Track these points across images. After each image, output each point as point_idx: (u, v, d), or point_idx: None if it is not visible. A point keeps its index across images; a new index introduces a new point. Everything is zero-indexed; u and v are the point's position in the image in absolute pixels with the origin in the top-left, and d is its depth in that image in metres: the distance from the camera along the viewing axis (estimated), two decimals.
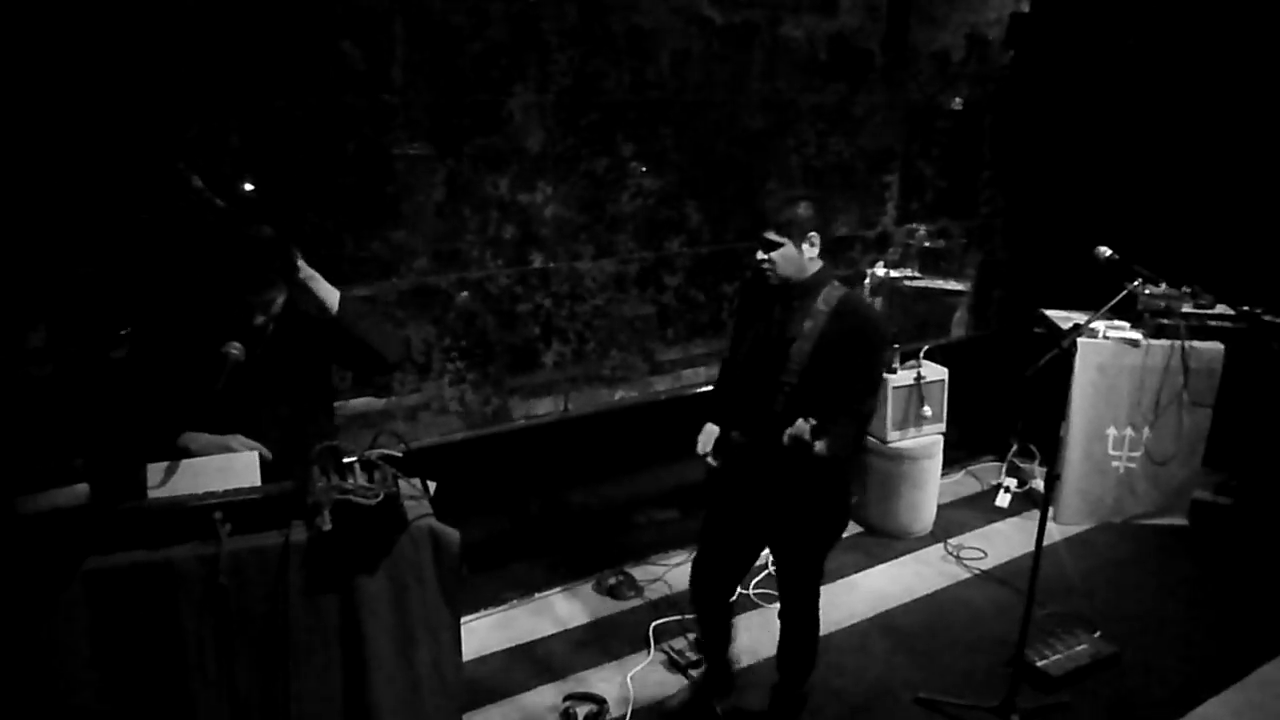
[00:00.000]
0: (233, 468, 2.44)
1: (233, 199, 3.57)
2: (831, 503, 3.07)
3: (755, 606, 4.13)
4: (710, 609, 3.35)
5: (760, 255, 2.87)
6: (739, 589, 3.84)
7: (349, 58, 3.83)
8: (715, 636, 3.41)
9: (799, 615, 3.24)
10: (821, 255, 2.91)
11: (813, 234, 2.86)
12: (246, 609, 2.30)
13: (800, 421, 2.76)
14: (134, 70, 3.23)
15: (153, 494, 2.37)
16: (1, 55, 3.00)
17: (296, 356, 2.75)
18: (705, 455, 3.09)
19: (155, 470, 2.38)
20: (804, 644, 3.28)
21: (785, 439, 2.77)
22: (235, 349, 2.55)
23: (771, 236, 2.85)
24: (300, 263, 2.66)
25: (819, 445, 2.74)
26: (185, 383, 2.59)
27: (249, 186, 3.67)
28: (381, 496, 2.33)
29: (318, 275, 2.70)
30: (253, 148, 3.60)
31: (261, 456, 2.50)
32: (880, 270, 5.75)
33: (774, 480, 2.93)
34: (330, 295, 2.69)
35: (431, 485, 2.59)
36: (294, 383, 2.76)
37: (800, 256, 2.87)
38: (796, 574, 3.19)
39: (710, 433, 3.12)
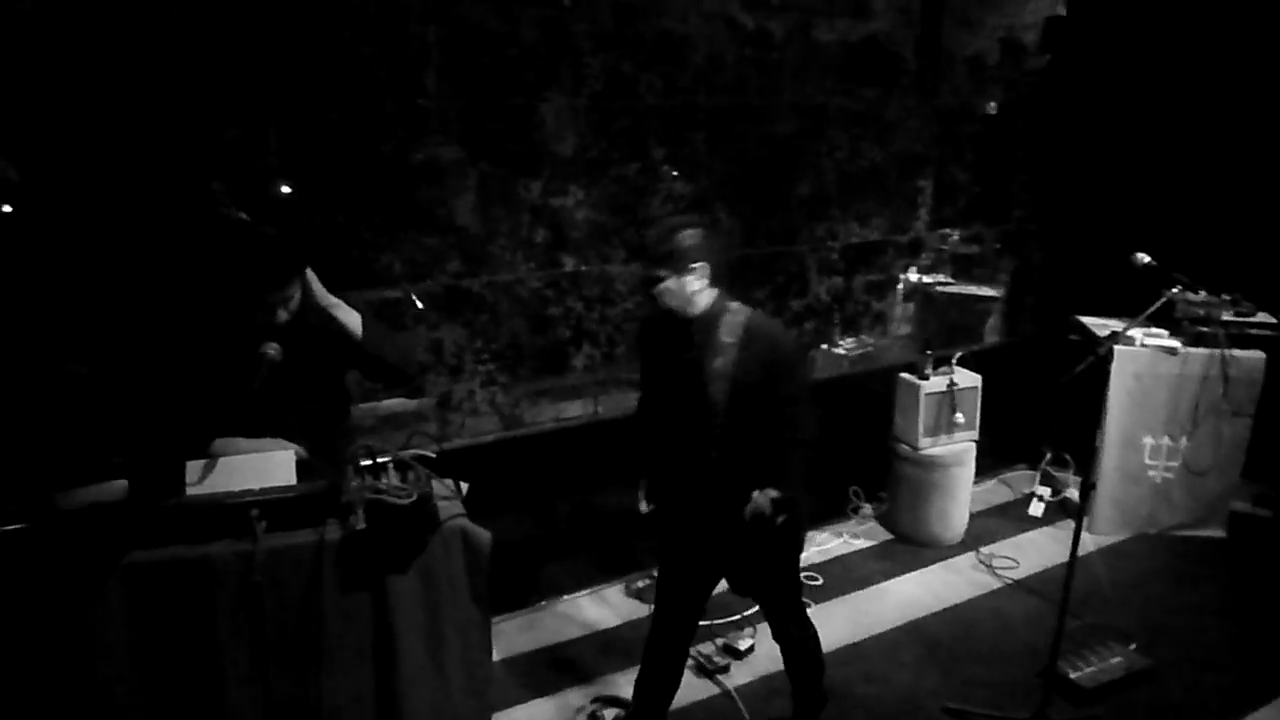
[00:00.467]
0: (269, 466, 2.46)
1: (267, 202, 3.61)
2: (787, 534, 2.91)
3: None
4: (666, 659, 3.15)
5: (654, 289, 2.73)
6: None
7: (383, 63, 3.87)
8: (662, 687, 3.18)
9: (791, 629, 3.13)
10: (714, 283, 2.77)
11: (698, 264, 2.70)
12: (280, 605, 2.32)
13: (757, 496, 2.65)
14: (176, 75, 3.29)
15: (191, 491, 2.40)
16: (50, 62, 3.07)
17: (323, 355, 2.78)
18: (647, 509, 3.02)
19: (193, 468, 2.42)
20: (806, 651, 3.18)
21: (746, 516, 2.67)
22: (272, 349, 2.58)
23: (655, 272, 2.71)
24: (320, 289, 2.68)
25: (781, 516, 2.64)
26: (222, 382, 2.63)
27: (286, 189, 3.71)
28: (414, 496, 2.35)
29: (340, 303, 2.71)
30: (289, 151, 3.64)
31: (298, 455, 2.53)
32: (913, 276, 5.72)
33: (723, 525, 2.80)
34: (353, 320, 2.70)
35: (464, 486, 2.60)
36: (321, 381, 2.79)
37: (684, 289, 2.71)
38: (774, 597, 3.09)
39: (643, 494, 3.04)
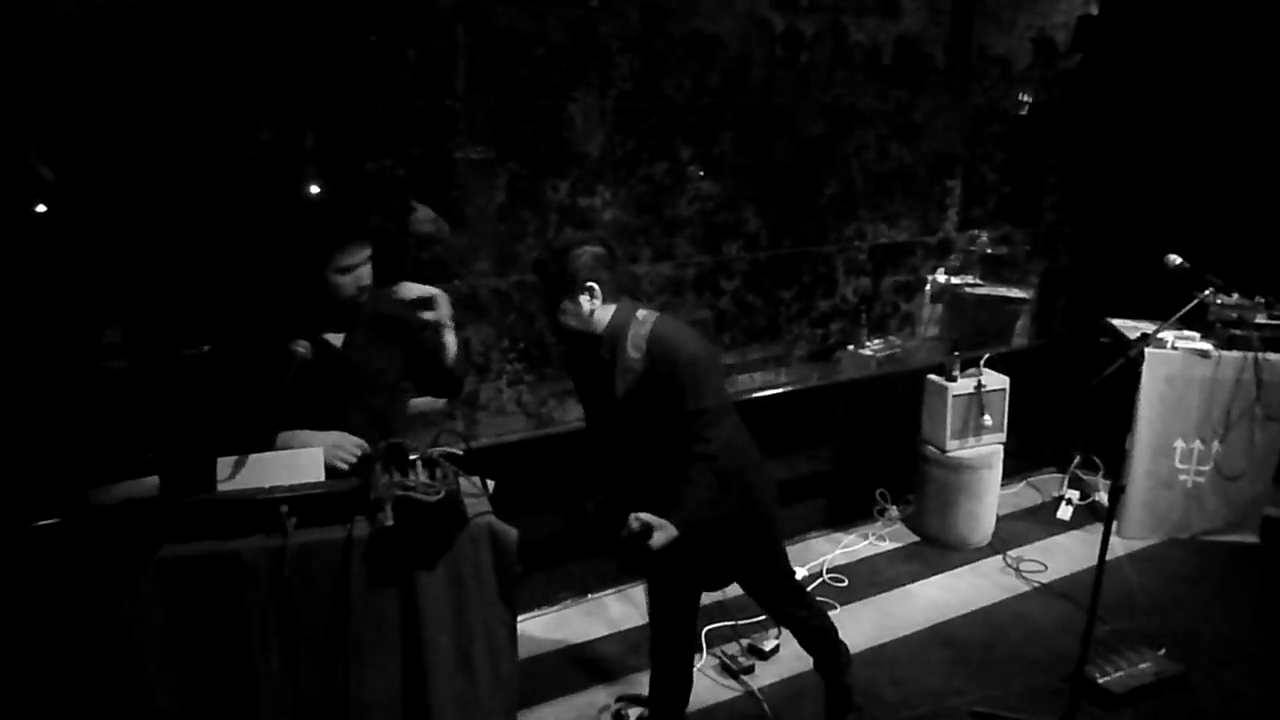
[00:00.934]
0: (299, 463, 2.49)
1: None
2: (744, 532, 2.89)
3: None
4: (671, 664, 3.18)
5: (556, 315, 2.71)
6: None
7: (414, 64, 3.90)
8: (674, 691, 3.21)
9: (789, 609, 3.12)
10: (614, 299, 2.72)
11: (590, 284, 2.65)
12: (310, 601, 2.35)
13: (631, 520, 2.54)
14: (213, 74, 3.34)
15: (221, 487, 2.44)
16: (90, 56, 3.13)
17: (390, 348, 2.80)
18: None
19: (224, 464, 2.45)
20: (821, 638, 3.17)
21: (622, 536, 2.57)
22: (303, 347, 2.61)
23: (550, 297, 2.69)
24: (444, 314, 2.65)
25: (657, 538, 2.52)
26: (254, 379, 2.66)
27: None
28: (442, 494, 2.36)
29: (452, 326, 2.71)
30: (323, 151, 3.68)
31: (362, 451, 2.57)
32: (941, 277, 5.68)
33: (686, 539, 2.67)
34: (452, 347, 2.72)
35: (490, 484, 2.62)
36: (386, 374, 2.81)
37: (580, 310, 2.68)
38: (756, 581, 3.07)
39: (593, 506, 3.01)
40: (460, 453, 2.49)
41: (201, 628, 2.32)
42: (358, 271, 2.65)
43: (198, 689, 2.34)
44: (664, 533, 2.53)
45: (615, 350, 2.71)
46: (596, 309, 2.70)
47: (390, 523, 2.32)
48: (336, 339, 2.74)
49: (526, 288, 4.27)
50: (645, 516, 2.54)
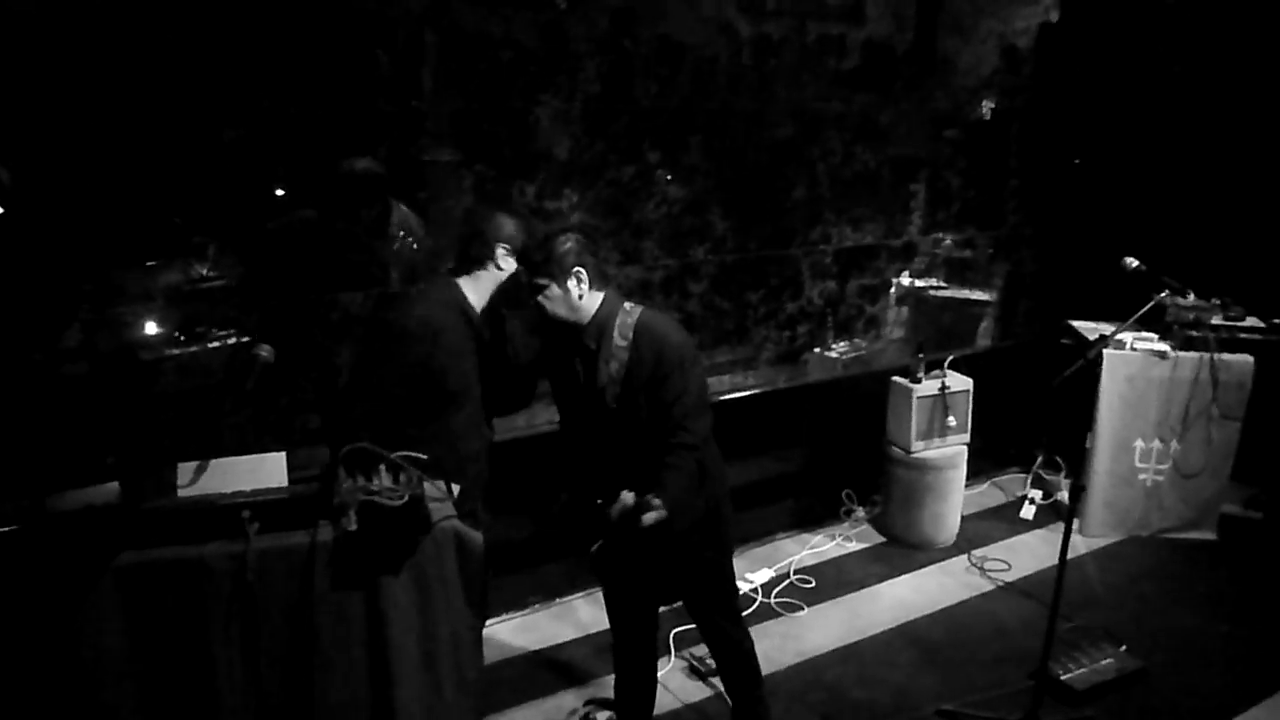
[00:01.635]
0: (261, 467, 2.47)
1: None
2: (704, 532, 2.87)
3: (776, 615, 4.13)
4: (633, 668, 3.16)
5: (537, 298, 2.71)
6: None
7: (380, 65, 3.88)
8: (638, 695, 3.19)
9: (723, 624, 3.05)
10: (600, 288, 2.73)
11: (577, 269, 2.66)
12: (273, 607, 2.33)
13: (624, 495, 2.57)
14: (177, 75, 3.30)
15: (182, 493, 2.41)
16: (47, 59, 3.08)
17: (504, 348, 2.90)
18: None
19: (185, 469, 2.42)
20: (740, 652, 3.09)
21: (613, 515, 2.58)
22: (265, 350, 2.59)
23: (536, 280, 2.68)
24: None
25: (649, 516, 2.52)
26: (219, 384, 2.64)
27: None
28: (406, 498, 2.35)
29: None
30: (284, 152, 3.65)
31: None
32: (906, 280, 5.74)
33: (629, 538, 2.67)
34: None
35: (455, 488, 2.61)
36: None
37: (568, 296, 2.68)
38: (700, 591, 3.02)
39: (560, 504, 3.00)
40: (424, 457, 2.47)
41: (162, 635, 2.29)
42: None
43: (158, 697, 2.31)
44: (655, 512, 2.53)
45: (601, 338, 2.71)
46: (585, 294, 2.70)
47: (354, 527, 2.31)
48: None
49: None
50: (637, 500, 2.54)
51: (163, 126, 3.33)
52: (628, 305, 2.76)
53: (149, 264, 3.55)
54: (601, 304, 2.73)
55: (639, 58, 4.54)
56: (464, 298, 2.80)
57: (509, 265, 2.78)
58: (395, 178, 3.95)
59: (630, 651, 3.15)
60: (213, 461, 2.46)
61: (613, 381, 2.68)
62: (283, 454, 2.51)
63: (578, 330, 2.74)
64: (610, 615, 3.14)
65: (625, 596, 3.07)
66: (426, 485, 2.47)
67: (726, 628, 3.05)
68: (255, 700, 2.35)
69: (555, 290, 2.68)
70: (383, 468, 2.45)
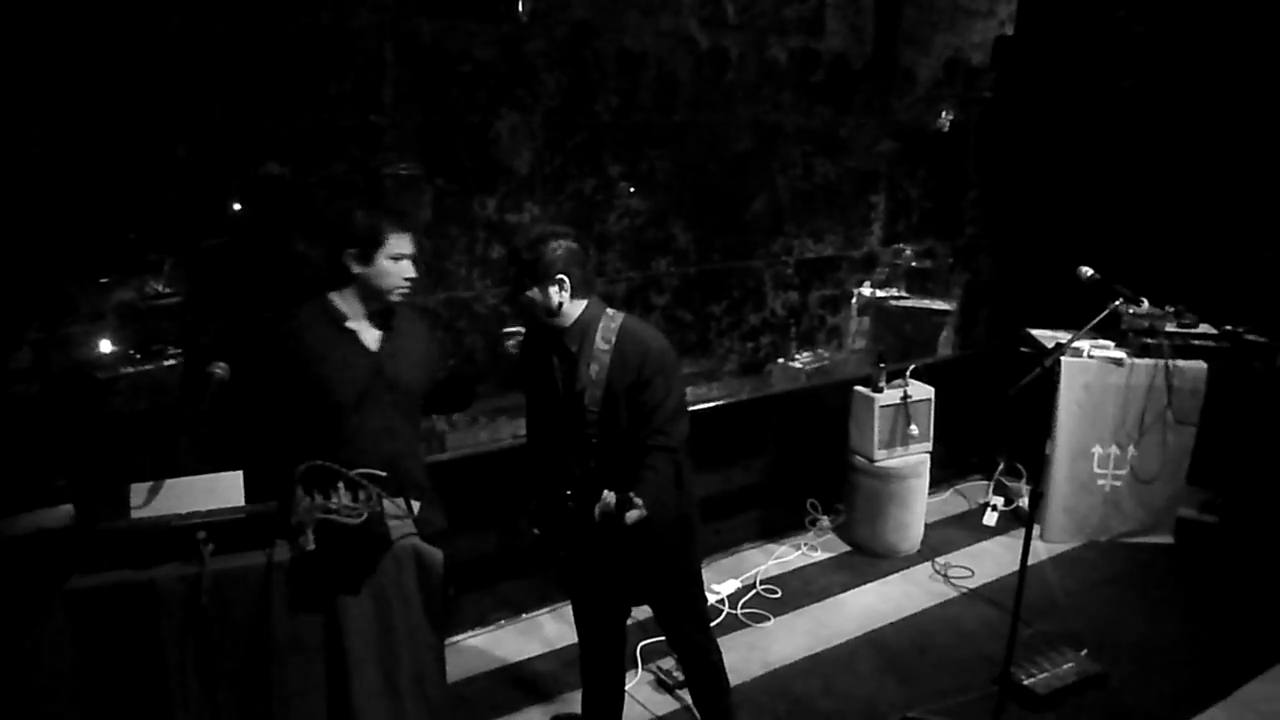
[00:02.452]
0: (217, 487, 2.44)
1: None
2: (674, 539, 2.87)
3: (742, 626, 4.13)
4: (601, 682, 3.15)
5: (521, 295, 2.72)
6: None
7: (338, 79, 3.85)
8: (605, 709, 3.18)
9: (693, 634, 3.04)
10: (584, 296, 2.74)
11: (561, 276, 2.66)
12: (229, 629, 2.29)
13: (606, 495, 2.57)
14: (128, 90, 3.25)
15: (136, 514, 2.37)
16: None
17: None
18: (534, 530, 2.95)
19: (138, 490, 2.38)
20: (709, 664, 3.07)
21: (596, 514, 2.58)
22: (220, 368, 2.55)
23: (521, 279, 2.69)
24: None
25: (631, 514, 2.52)
26: (173, 403, 2.60)
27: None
28: (365, 516, 2.33)
29: None
30: (240, 168, 3.61)
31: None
32: (867, 290, 5.79)
33: (610, 539, 2.69)
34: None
35: (416, 505, 2.58)
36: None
37: (548, 301, 2.68)
38: (668, 599, 3.01)
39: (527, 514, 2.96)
40: (384, 474, 2.45)
41: (114, 661, 2.25)
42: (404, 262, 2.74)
43: None
44: (637, 510, 2.53)
45: (583, 341, 2.72)
46: (565, 302, 2.70)
47: (312, 547, 2.28)
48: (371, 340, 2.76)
49: (455, 304, 4.23)
50: (619, 498, 2.54)
51: (115, 140, 3.28)
52: (610, 311, 2.78)
53: (102, 281, 3.49)
54: (585, 309, 2.74)
55: (599, 71, 4.55)
56: (335, 309, 2.78)
57: (363, 266, 2.74)
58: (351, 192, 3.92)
59: (598, 664, 3.13)
60: (167, 481, 2.42)
61: (593, 384, 2.68)
62: (239, 473, 2.48)
63: (559, 333, 2.74)
64: (579, 627, 3.13)
65: (593, 606, 3.05)
66: (385, 503, 2.45)
67: (695, 638, 3.04)
68: None
69: (535, 294, 2.69)
70: (341, 485, 2.42)
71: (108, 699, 2.26)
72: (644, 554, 2.82)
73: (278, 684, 2.35)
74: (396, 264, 2.73)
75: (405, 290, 2.77)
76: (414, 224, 2.81)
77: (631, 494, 2.54)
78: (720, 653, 3.10)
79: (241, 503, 2.43)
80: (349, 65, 3.86)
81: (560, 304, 2.70)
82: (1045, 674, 3.69)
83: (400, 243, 2.72)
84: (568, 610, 4.20)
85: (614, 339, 2.70)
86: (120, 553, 2.28)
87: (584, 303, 2.75)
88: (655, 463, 2.65)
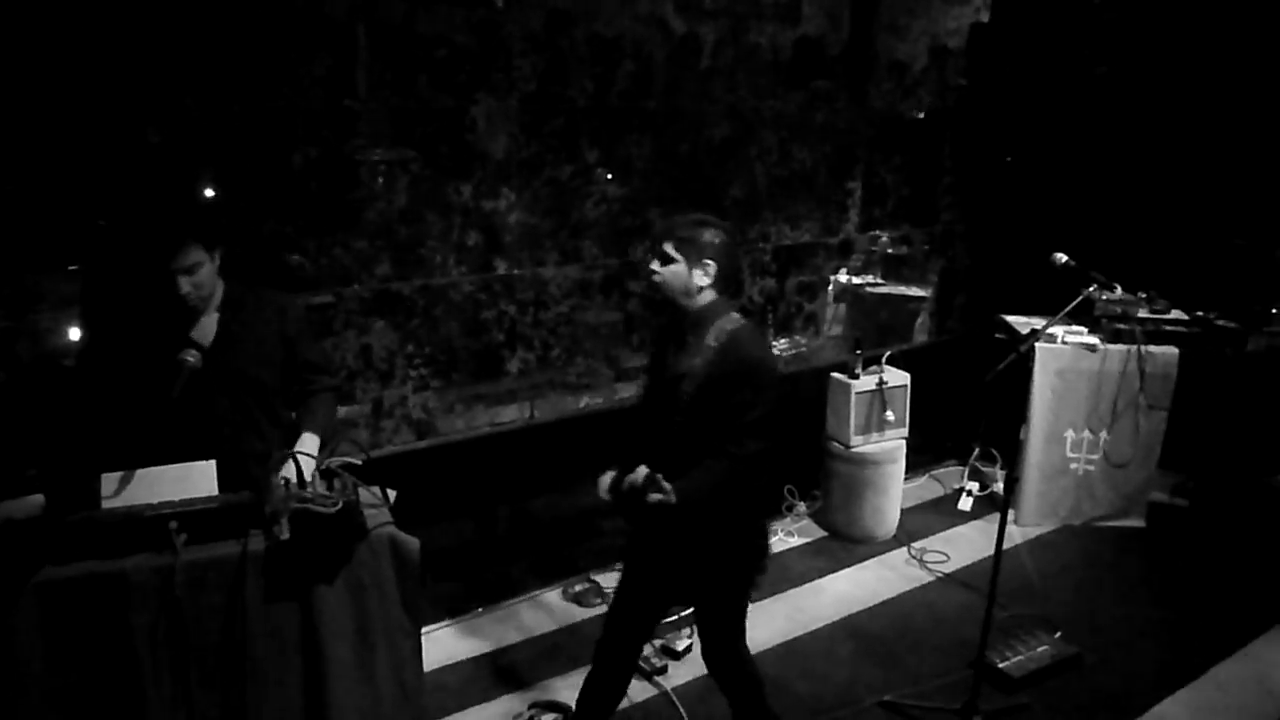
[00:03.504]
0: (189, 477, 2.41)
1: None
2: (720, 548, 2.83)
3: None
4: (615, 665, 3.07)
5: (652, 266, 2.73)
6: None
7: (311, 63, 3.80)
8: (608, 695, 3.09)
9: (730, 672, 3.00)
10: (719, 291, 2.75)
11: (709, 262, 2.69)
12: (202, 620, 2.27)
13: (640, 469, 2.58)
14: (95, 74, 3.19)
15: (108, 504, 2.33)
16: None
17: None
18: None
19: (109, 480, 2.35)
20: (746, 674, 3.02)
21: (624, 484, 2.62)
22: (191, 356, 2.52)
23: (668, 249, 2.69)
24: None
25: (654, 496, 2.53)
26: (141, 391, 2.56)
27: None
28: (340, 505, 2.31)
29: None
30: (213, 153, 3.56)
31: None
32: (843, 277, 5.80)
33: (673, 527, 2.71)
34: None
35: (391, 494, 2.56)
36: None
37: (689, 279, 2.69)
38: (713, 626, 2.97)
39: (606, 477, 2.92)
40: (359, 462, 2.43)
41: (86, 654, 2.22)
42: (193, 275, 2.62)
43: (82, 716, 2.23)
44: (662, 495, 2.53)
45: (697, 331, 2.73)
46: (703, 287, 2.71)
47: (286, 536, 2.26)
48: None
49: (431, 292, 4.20)
50: (648, 475, 2.55)
51: (83, 126, 3.22)
52: (735, 315, 2.77)
53: (71, 268, 3.43)
54: (712, 302, 2.75)
55: (575, 56, 4.52)
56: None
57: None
58: (326, 178, 3.88)
59: (616, 644, 3.04)
60: (139, 471, 2.39)
61: (692, 375, 2.69)
62: (212, 462, 2.45)
63: (684, 316, 2.76)
64: (616, 596, 3.06)
65: (635, 588, 2.99)
66: (362, 491, 2.43)
67: (727, 648, 3.00)
68: (186, 718, 2.29)
69: (680, 268, 2.69)
70: (316, 474, 2.40)
71: (80, 692, 2.24)
72: (686, 552, 2.80)
73: (253, 675, 2.33)
74: (177, 278, 2.64)
75: (192, 302, 2.68)
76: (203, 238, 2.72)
77: (659, 476, 2.54)
78: (754, 663, 3.04)
79: (215, 492, 2.40)
80: (322, 49, 3.82)
81: (700, 288, 2.71)
82: (1020, 656, 3.73)
83: (178, 259, 2.63)
84: (545, 597, 4.23)
85: (723, 340, 2.69)
86: (91, 544, 2.25)
87: (715, 297, 2.75)
88: (712, 464, 2.65)
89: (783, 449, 2.73)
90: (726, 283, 2.77)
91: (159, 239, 2.62)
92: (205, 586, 2.27)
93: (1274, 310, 4.88)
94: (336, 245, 3.94)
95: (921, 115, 5.84)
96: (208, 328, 2.72)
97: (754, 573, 2.95)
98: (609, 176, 4.70)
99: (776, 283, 5.37)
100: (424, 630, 2.88)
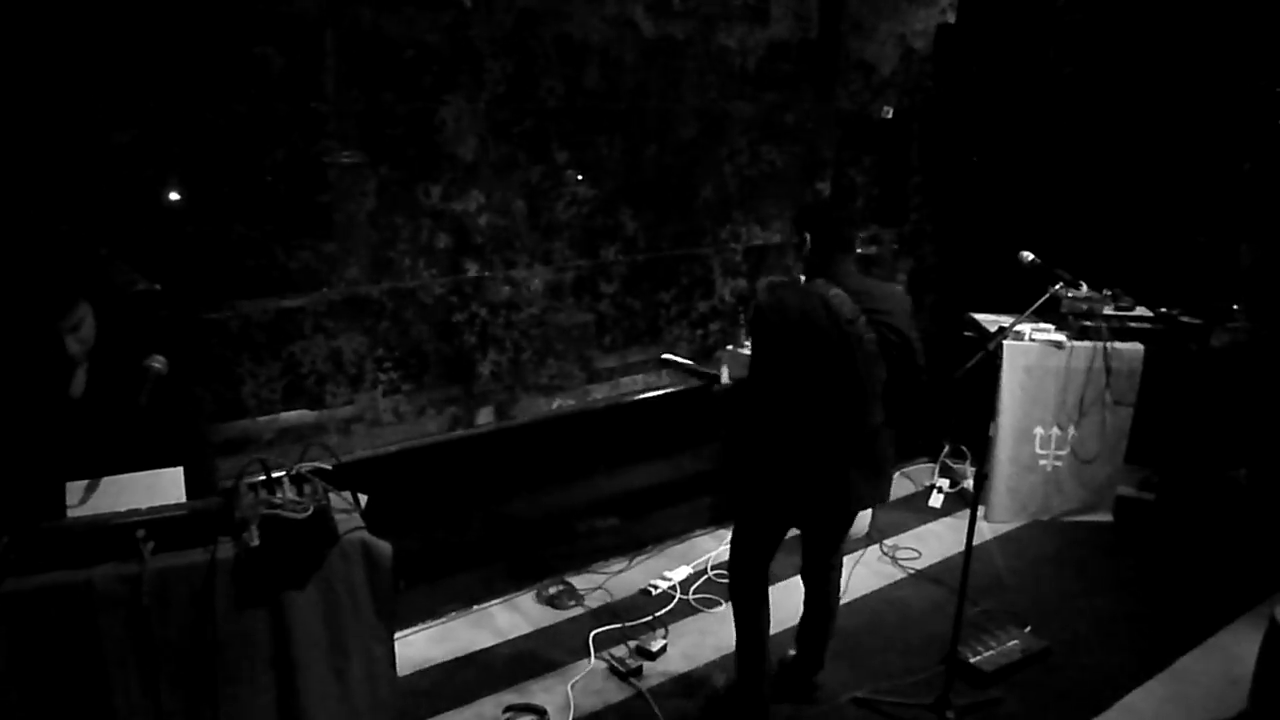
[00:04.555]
0: (157, 484, 2.38)
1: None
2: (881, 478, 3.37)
3: (694, 611, 4.15)
4: (756, 596, 3.43)
5: None
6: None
7: (278, 65, 3.76)
8: (757, 627, 3.45)
9: (831, 580, 3.54)
10: (820, 264, 3.10)
11: (808, 233, 3.11)
12: (171, 629, 2.24)
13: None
14: (56, 75, 3.14)
15: (73, 512, 2.30)
16: None
17: None
18: None
19: (74, 488, 2.31)
20: (834, 602, 3.56)
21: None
22: (158, 362, 2.49)
23: (836, 250, 3.10)
24: None
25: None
26: (105, 398, 2.52)
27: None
28: (311, 510, 2.29)
29: None
30: (179, 157, 3.52)
31: None
32: None
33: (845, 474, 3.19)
34: None
35: (363, 498, 2.55)
36: None
37: (802, 247, 3.15)
38: (837, 543, 3.49)
39: None
40: (329, 467, 2.41)
41: (53, 665, 2.18)
42: (78, 331, 2.52)
43: None
44: None
45: (873, 301, 3.05)
46: (805, 257, 3.11)
47: (256, 543, 2.24)
48: None
49: (400, 294, 4.18)
50: None
51: (44, 128, 3.17)
52: (819, 282, 3.06)
53: None
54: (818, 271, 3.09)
55: (544, 57, 4.51)
56: None
57: None
58: (293, 181, 3.84)
59: (754, 577, 3.40)
60: (105, 479, 2.36)
61: (868, 340, 3.00)
62: (179, 469, 2.42)
63: (829, 299, 3.00)
64: (745, 543, 3.39)
65: (769, 521, 3.35)
66: (332, 496, 2.41)
67: (835, 564, 3.54)
68: None
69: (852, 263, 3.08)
70: (286, 480, 2.38)
71: (46, 705, 2.20)
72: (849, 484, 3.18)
73: (224, 684, 2.31)
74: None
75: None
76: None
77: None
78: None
79: (183, 499, 2.37)
80: (287, 50, 3.78)
81: (803, 255, 3.11)
82: (991, 651, 3.77)
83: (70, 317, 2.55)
84: (519, 600, 4.22)
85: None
86: (57, 553, 2.21)
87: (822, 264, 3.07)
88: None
89: None
90: (824, 256, 3.10)
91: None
92: (174, 595, 2.24)
93: (1236, 306, 4.97)
94: (305, 248, 3.91)
95: (890, 115, 5.88)
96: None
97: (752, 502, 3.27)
98: (579, 178, 4.69)
99: (749, 283, 5.39)
100: (397, 635, 2.87)
